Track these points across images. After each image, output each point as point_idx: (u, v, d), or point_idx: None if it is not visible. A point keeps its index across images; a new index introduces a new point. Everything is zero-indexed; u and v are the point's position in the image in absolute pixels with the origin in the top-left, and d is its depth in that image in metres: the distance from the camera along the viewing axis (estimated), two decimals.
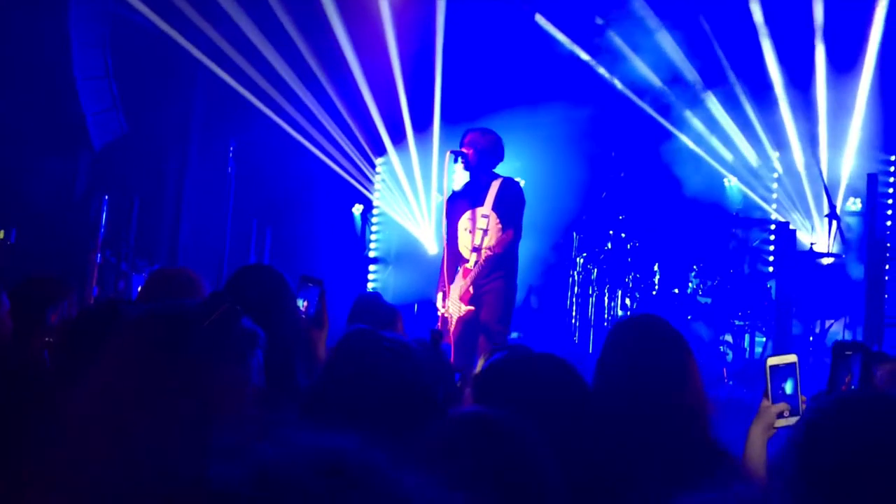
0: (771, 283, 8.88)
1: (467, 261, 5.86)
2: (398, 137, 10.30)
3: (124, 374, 1.51)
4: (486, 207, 5.86)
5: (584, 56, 9.93)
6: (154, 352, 1.52)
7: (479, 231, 5.84)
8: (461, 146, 5.93)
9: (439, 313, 5.92)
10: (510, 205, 5.90)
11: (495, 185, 5.90)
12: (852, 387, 2.42)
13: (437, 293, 6.01)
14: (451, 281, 5.90)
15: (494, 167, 6.01)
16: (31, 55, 7.39)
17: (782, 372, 2.44)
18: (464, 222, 5.94)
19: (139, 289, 5.27)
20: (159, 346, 1.53)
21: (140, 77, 8.61)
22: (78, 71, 7.35)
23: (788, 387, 2.43)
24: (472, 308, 5.77)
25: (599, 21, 8.64)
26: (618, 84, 9.94)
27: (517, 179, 6.21)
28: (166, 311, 1.60)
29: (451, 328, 5.80)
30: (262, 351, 1.64)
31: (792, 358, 2.48)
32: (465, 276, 5.83)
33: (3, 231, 7.19)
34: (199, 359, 1.52)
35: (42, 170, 7.78)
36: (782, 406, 2.41)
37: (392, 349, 1.97)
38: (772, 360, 2.47)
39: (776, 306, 8.48)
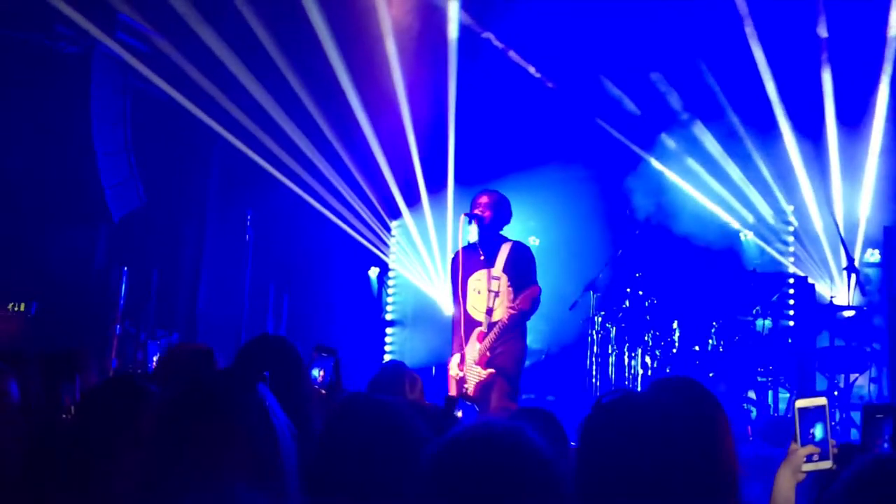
0: (792, 338, 8.77)
1: (480, 323, 5.85)
2: (413, 200, 10.36)
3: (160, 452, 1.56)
4: (498, 269, 5.88)
5: (593, 117, 10.03)
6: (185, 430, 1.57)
7: (491, 294, 5.85)
8: (473, 208, 5.97)
9: (452, 375, 5.86)
10: (524, 268, 5.92)
11: (505, 249, 5.92)
12: (885, 447, 2.36)
13: (451, 355, 5.98)
14: (467, 342, 5.87)
15: (502, 229, 6.05)
16: (53, 131, 7.54)
17: (811, 415, 2.36)
18: (474, 283, 5.93)
19: (154, 359, 5.31)
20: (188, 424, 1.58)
21: (157, 148, 8.75)
22: (98, 146, 7.49)
23: (818, 431, 2.34)
24: (492, 371, 5.75)
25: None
26: (629, 144, 10.02)
27: (532, 239, 6.24)
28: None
29: (470, 390, 5.77)
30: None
31: (822, 401, 2.38)
32: (479, 340, 5.81)
33: (24, 304, 7.26)
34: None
35: (62, 242, 7.88)
36: (811, 448, 2.32)
37: (386, 411, 2.01)
38: (801, 403, 2.38)
39: (798, 361, 8.37)
